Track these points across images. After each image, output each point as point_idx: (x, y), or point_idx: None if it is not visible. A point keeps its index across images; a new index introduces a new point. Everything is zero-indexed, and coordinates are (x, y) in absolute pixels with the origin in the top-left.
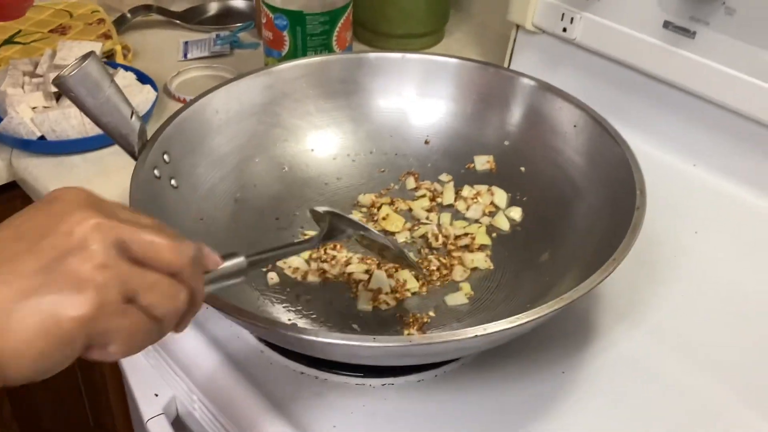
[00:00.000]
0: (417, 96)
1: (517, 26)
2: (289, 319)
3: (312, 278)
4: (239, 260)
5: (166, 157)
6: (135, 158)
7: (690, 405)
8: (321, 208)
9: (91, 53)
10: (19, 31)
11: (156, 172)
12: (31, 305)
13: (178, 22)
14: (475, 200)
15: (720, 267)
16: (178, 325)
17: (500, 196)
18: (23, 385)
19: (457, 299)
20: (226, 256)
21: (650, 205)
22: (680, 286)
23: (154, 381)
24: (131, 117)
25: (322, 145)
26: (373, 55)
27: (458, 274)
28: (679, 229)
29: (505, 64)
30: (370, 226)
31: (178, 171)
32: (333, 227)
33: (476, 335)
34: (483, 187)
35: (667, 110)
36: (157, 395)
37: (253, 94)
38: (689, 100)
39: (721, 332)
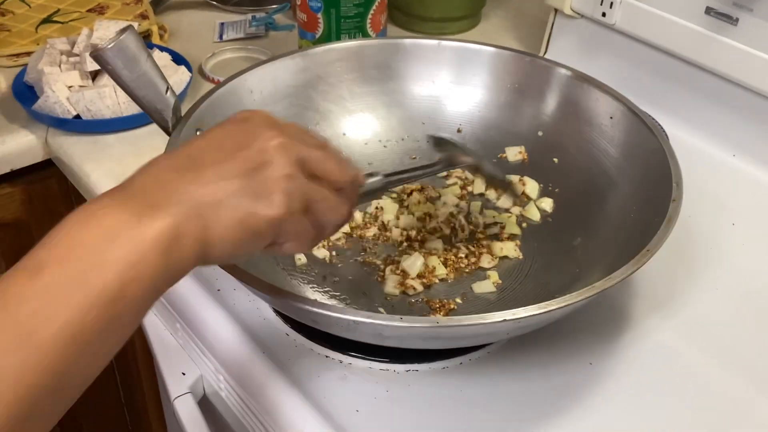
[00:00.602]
0: (451, 84)
1: (555, 10)
2: (316, 299)
3: (339, 260)
4: (378, 178)
5: (198, 133)
6: (169, 134)
7: (720, 402)
8: (439, 135)
9: (129, 27)
10: (58, 10)
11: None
12: (235, 202)
13: (214, 3)
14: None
15: (758, 260)
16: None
17: (532, 186)
18: None
19: (484, 287)
20: (367, 176)
21: (687, 196)
22: (716, 279)
23: (182, 360)
24: (166, 92)
25: (354, 129)
26: (408, 41)
27: (486, 261)
28: (717, 221)
29: (543, 49)
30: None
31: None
32: (449, 158)
33: (504, 319)
34: (515, 177)
35: (707, 99)
36: (184, 374)
37: (288, 76)
38: (730, 89)
39: (757, 329)
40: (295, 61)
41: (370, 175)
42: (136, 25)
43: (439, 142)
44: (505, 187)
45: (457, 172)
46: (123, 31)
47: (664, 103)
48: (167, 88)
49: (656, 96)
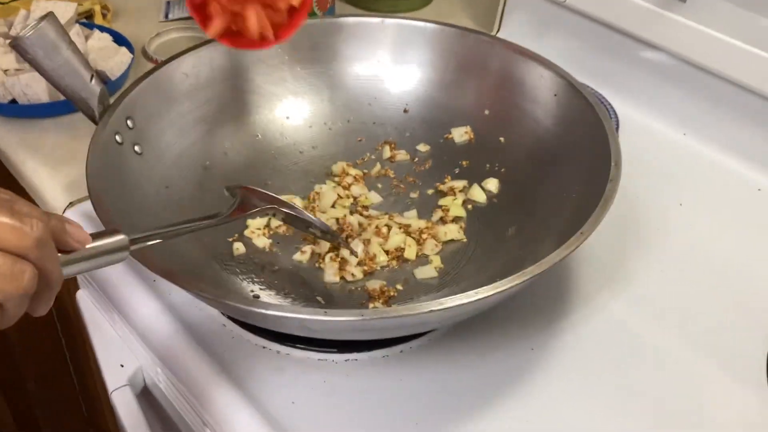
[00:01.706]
0: (395, 63)
1: None
2: (252, 291)
3: (280, 248)
4: (117, 239)
5: (129, 122)
6: (96, 123)
7: (669, 375)
8: (235, 185)
9: (48, 14)
10: None
11: (118, 137)
12: None
13: None
14: (452, 194)
15: (703, 238)
16: (35, 308)
17: (478, 194)
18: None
19: (426, 272)
20: (103, 234)
21: (636, 174)
22: (663, 258)
23: (120, 352)
24: (91, 80)
25: (297, 112)
26: (351, 19)
27: (429, 247)
28: (665, 199)
29: (495, 27)
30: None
31: (144, 137)
32: (245, 202)
33: (431, 310)
34: (460, 184)
35: (658, 77)
36: (122, 366)
37: (226, 59)
38: (681, 67)
39: (702, 304)
40: None
41: (111, 232)
42: (74, 5)
43: (233, 192)
44: (322, 234)
45: (401, 152)
46: (42, 18)
47: (615, 82)
48: (92, 76)
49: (607, 74)
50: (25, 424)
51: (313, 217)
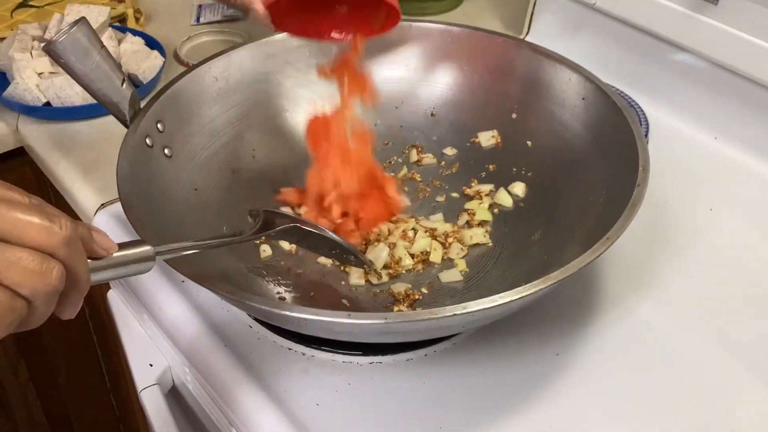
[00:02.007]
0: (423, 66)
1: None
2: (278, 293)
3: (306, 251)
4: (143, 249)
5: (159, 126)
6: (127, 126)
7: (698, 381)
8: (258, 208)
9: (81, 19)
10: None
11: (148, 140)
12: None
13: None
14: (478, 198)
15: (734, 243)
16: (62, 309)
17: (504, 198)
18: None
19: (451, 276)
20: (131, 244)
21: (666, 179)
22: (691, 263)
23: (149, 351)
24: (122, 84)
25: None
26: None
27: (455, 251)
28: (695, 204)
29: (524, 29)
30: None
31: (173, 140)
32: (267, 223)
33: (455, 314)
34: (487, 187)
35: (689, 80)
36: (151, 365)
37: (254, 63)
38: (712, 70)
39: (731, 307)
40: (262, 48)
41: (137, 243)
42: (107, 9)
43: (256, 214)
44: (345, 257)
45: (428, 156)
46: (75, 23)
47: (645, 85)
48: (123, 80)
49: (638, 77)
50: (58, 422)
51: (335, 236)
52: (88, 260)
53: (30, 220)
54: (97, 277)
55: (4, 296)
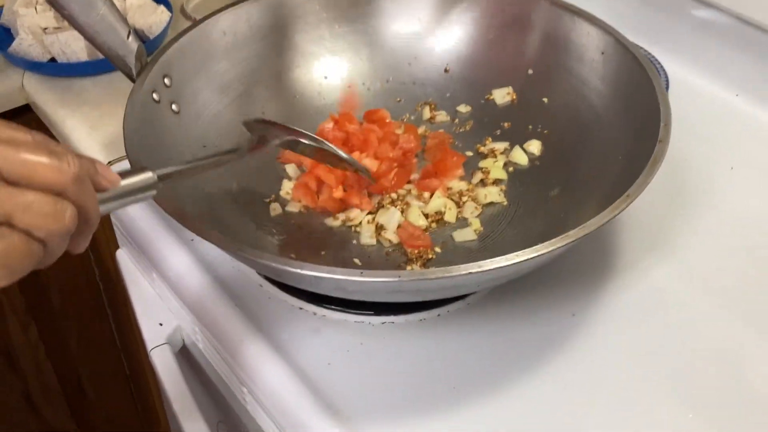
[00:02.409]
0: (437, 21)
1: None
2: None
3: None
4: (146, 176)
5: (167, 80)
6: (133, 81)
7: (714, 346)
8: (252, 118)
9: None
10: None
11: (155, 96)
12: None
13: None
14: (493, 156)
15: (755, 203)
16: (75, 245)
17: (519, 156)
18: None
19: (465, 235)
20: (132, 172)
21: (686, 137)
22: (711, 223)
23: (159, 310)
24: (128, 37)
25: (335, 72)
26: None
27: (469, 210)
28: (716, 163)
29: None
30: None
31: (181, 95)
32: (264, 136)
33: (469, 272)
34: (502, 145)
35: (711, 35)
36: (161, 324)
37: (263, 16)
38: (734, 25)
39: (750, 270)
40: (270, 1)
41: (139, 170)
42: None
43: (251, 127)
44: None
45: (441, 114)
46: None
47: (665, 41)
48: (129, 33)
49: (657, 33)
50: (68, 382)
51: (331, 145)
52: (99, 194)
53: (39, 161)
54: (104, 208)
55: (20, 241)
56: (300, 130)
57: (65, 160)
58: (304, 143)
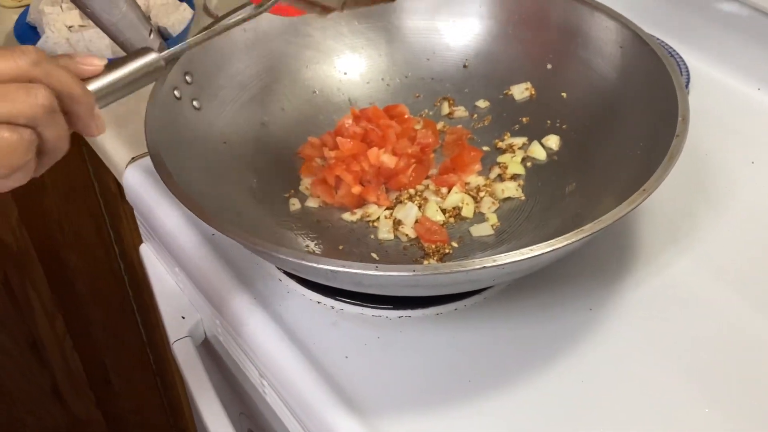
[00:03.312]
0: (455, 16)
1: None
2: (307, 246)
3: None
4: (147, 59)
5: (188, 77)
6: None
7: (734, 339)
8: None
9: None
10: None
11: (176, 93)
12: None
13: None
14: (511, 151)
15: None
16: (79, 126)
17: (538, 151)
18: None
19: (482, 230)
20: (135, 54)
21: (707, 130)
22: (731, 217)
23: (181, 304)
24: (150, 35)
25: (355, 68)
26: None
27: (486, 205)
28: (737, 157)
29: None
30: None
31: (202, 92)
32: None
33: (484, 266)
34: (520, 140)
35: (732, 29)
36: (183, 318)
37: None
38: (756, 18)
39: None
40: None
41: (142, 52)
42: None
43: None
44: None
45: (460, 109)
46: None
47: (686, 35)
48: (150, 30)
49: (678, 26)
50: (96, 374)
51: None
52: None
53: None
54: (106, 91)
55: (3, 131)
56: None
57: (18, 53)
58: None
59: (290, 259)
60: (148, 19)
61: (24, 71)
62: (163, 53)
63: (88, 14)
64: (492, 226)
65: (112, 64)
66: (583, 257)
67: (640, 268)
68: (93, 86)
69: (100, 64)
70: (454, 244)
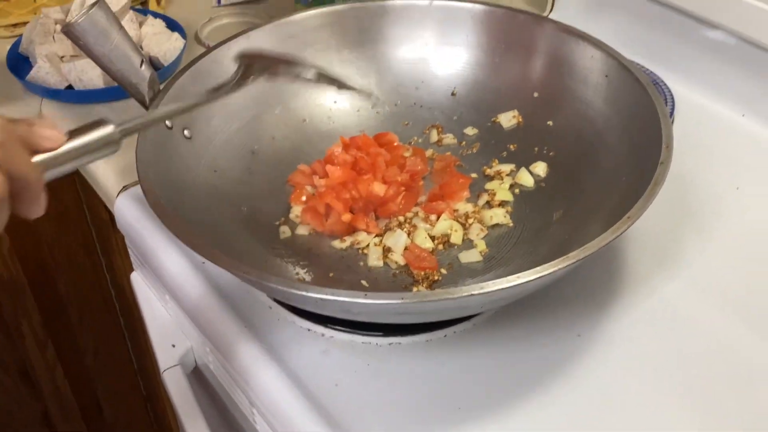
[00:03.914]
0: (443, 45)
1: None
2: (297, 273)
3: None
4: (104, 131)
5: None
6: (146, 108)
7: (724, 363)
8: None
9: (99, 1)
10: None
11: (167, 122)
12: None
13: None
14: (499, 178)
15: (761, 222)
16: (24, 210)
17: (525, 178)
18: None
19: (471, 257)
20: (88, 127)
21: (693, 155)
22: (717, 242)
23: (172, 332)
24: (141, 66)
25: (345, 97)
26: (398, 2)
27: (475, 232)
28: (722, 182)
29: (548, 7)
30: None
31: (193, 121)
32: (248, 68)
33: (471, 294)
34: (508, 167)
35: (717, 56)
36: (174, 346)
37: (274, 44)
38: (739, 45)
39: (755, 287)
40: (280, 29)
41: (97, 124)
42: None
43: (239, 60)
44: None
45: (449, 136)
46: (94, 4)
47: (671, 62)
48: (142, 61)
49: (664, 54)
50: (86, 402)
51: (320, 65)
52: (40, 156)
53: None
54: (52, 172)
55: None
56: (287, 55)
57: None
58: (287, 67)
59: (280, 287)
60: (138, 50)
61: None
62: (119, 127)
63: (81, 46)
64: (480, 252)
65: (69, 135)
66: (572, 282)
67: (628, 293)
68: (43, 157)
69: (60, 138)
70: (443, 271)
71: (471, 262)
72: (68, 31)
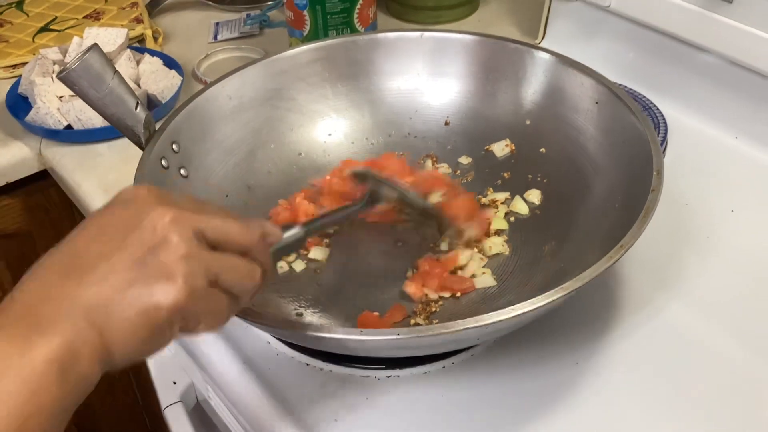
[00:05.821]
0: (435, 75)
1: None
2: (295, 309)
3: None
4: (296, 230)
5: (175, 146)
6: (142, 149)
7: (726, 386)
8: (360, 169)
9: (92, 46)
10: (55, 18)
11: (163, 162)
12: (130, 298)
13: (210, 2)
14: (494, 206)
15: (756, 245)
16: (252, 298)
17: (520, 206)
18: None
19: (485, 281)
20: (283, 228)
21: (687, 179)
22: (713, 265)
23: (172, 369)
24: (136, 108)
25: (339, 129)
26: (390, 35)
27: (475, 264)
28: (716, 205)
29: (540, 35)
30: None
31: (189, 159)
32: (375, 191)
33: (467, 327)
34: (502, 196)
35: (708, 79)
36: (175, 383)
37: (267, 79)
38: (730, 69)
39: (753, 310)
40: (273, 64)
41: (288, 226)
42: (125, 31)
43: (362, 177)
44: (441, 224)
45: (443, 166)
46: (87, 50)
47: (663, 86)
48: (137, 103)
49: (656, 79)
50: None
51: (428, 203)
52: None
53: (232, 226)
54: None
55: (223, 297)
56: (402, 189)
57: (251, 224)
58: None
59: (278, 329)
60: (133, 92)
61: (251, 248)
62: (304, 227)
63: (76, 91)
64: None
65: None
66: (570, 310)
67: (626, 319)
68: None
69: (280, 236)
70: (441, 303)
71: (487, 287)
72: (63, 77)
